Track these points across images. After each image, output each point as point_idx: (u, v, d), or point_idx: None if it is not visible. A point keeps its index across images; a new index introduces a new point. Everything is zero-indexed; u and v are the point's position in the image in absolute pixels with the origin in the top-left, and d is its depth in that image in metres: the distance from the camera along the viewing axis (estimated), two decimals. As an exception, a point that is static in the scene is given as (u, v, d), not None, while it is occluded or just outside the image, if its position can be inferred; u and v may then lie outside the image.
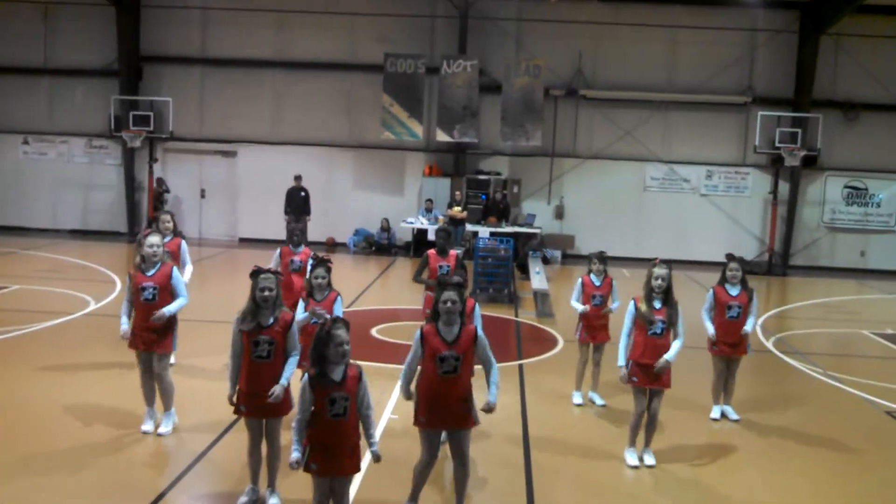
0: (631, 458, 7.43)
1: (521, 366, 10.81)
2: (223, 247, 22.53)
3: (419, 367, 5.93)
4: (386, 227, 22.85)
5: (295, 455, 5.16)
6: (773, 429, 8.70)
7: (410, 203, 23.37)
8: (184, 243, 9.31)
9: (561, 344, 12.08)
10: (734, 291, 8.63)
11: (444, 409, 5.85)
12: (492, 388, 5.96)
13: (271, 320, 6.10)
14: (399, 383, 6.02)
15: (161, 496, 6.43)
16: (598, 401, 9.29)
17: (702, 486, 7.15)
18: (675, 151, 23.17)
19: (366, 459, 5.58)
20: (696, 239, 23.01)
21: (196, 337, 10.98)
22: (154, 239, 7.56)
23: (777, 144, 21.42)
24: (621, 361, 7.35)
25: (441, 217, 21.44)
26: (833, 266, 22.88)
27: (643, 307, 7.29)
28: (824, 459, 7.95)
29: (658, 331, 7.25)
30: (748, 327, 8.60)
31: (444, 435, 6.16)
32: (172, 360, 9.62)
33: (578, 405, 9.07)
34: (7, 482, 6.59)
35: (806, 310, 16.63)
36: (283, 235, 20.29)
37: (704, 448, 8.03)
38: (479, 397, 5.93)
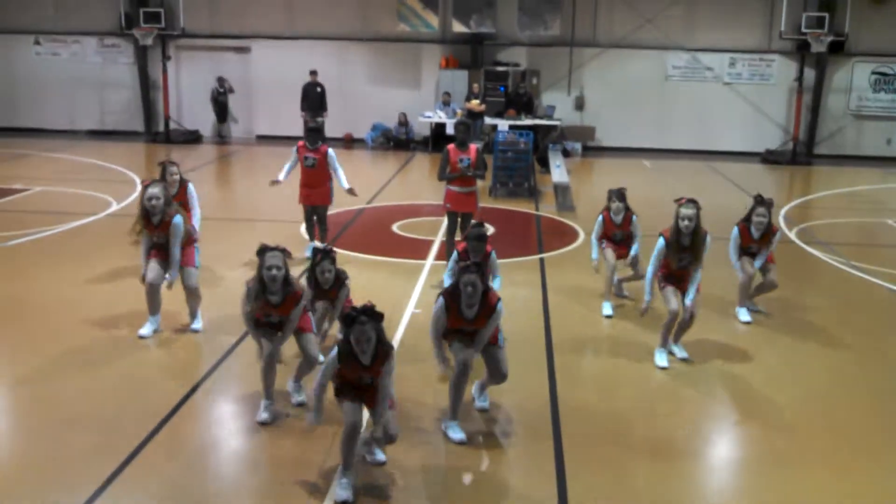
0: (661, 360, 7.38)
1: (541, 260, 10.82)
2: (240, 144, 22.43)
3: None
4: (403, 122, 22.60)
5: (309, 417, 5.23)
6: (797, 320, 8.71)
7: (428, 97, 23.03)
8: (191, 186, 9.09)
9: (582, 237, 12.04)
10: (757, 235, 8.52)
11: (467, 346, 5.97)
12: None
13: (280, 298, 5.98)
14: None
15: (189, 394, 6.57)
16: (623, 291, 9.29)
17: (727, 381, 7.20)
18: (697, 39, 22.52)
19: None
20: (719, 129, 22.61)
21: (219, 237, 11.04)
22: (153, 190, 7.53)
23: (803, 30, 20.74)
24: (647, 297, 7.37)
25: (459, 110, 21.14)
26: (858, 155, 22.47)
27: (671, 251, 7.23)
28: (848, 349, 7.97)
29: (686, 264, 7.29)
30: (757, 263, 8.60)
31: None
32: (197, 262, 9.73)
33: (608, 316, 8.67)
34: (34, 382, 6.75)
35: (830, 199, 16.44)
36: (300, 132, 20.19)
37: (729, 343, 8.03)
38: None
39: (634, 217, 8.82)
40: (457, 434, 5.85)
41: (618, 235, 8.85)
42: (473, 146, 9.89)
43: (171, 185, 8.59)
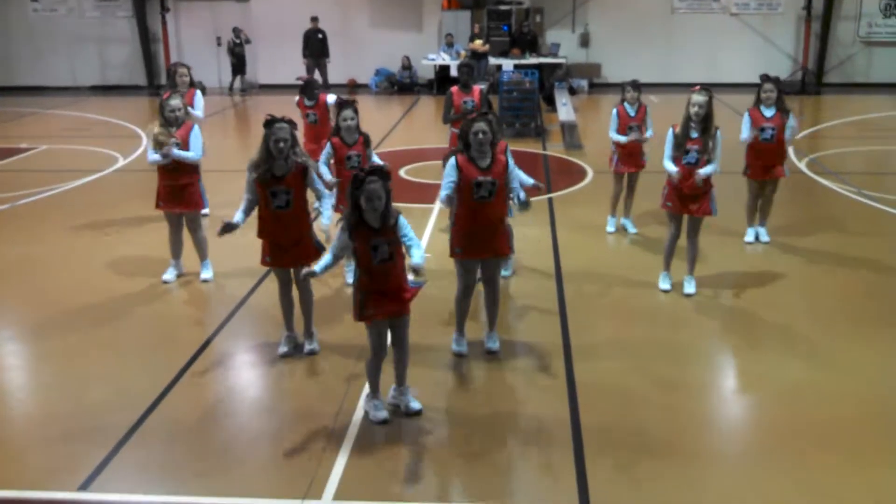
0: (664, 283, 7.51)
1: (550, 199, 10.79)
2: (244, 94, 22.26)
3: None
4: (407, 66, 22.36)
5: (308, 268, 5.26)
6: (809, 251, 8.69)
7: (430, 39, 22.75)
8: (198, 93, 9.33)
9: (590, 175, 11.99)
10: (769, 113, 8.41)
11: (479, 237, 5.96)
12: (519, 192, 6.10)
13: (286, 170, 5.97)
14: (437, 203, 6.05)
15: (207, 343, 6.64)
16: (631, 228, 9.29)
17: (739, 310, 7.24)
18: (703, -31, 22.12)
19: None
20: (727, 61, 22.29)
21: (225, 187, 11.02)
22: (175, 102, 7.61)
23: (812, -45, 20.35)
24: (673, 171, 7.14)
25: (463, 52, 20.89)
26: (868, 82, 22.16)
27: (678, 133, 7.14)
28: (860, 278, 7.96)
29: (692, 160, 7.10)
30: (790, 133, 8.50)
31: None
32: (206, 210, 9.74)
33: (611, 233, 9.10)
34: (51, 339, 6.82)
35: (840, 128, 16.27)
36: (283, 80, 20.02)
37: (741, 272, 8.06)
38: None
39: (648, 107, 8.78)
40: (459, 347, 6.28)
41: (634, 129, 8.72)
42: (477, 88, 9.79)
43: (182, 86, 8.96)
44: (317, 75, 20.07)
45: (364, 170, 5.00)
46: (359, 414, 5.44)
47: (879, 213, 10.04)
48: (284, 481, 4.77)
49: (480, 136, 5.77)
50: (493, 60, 20.72)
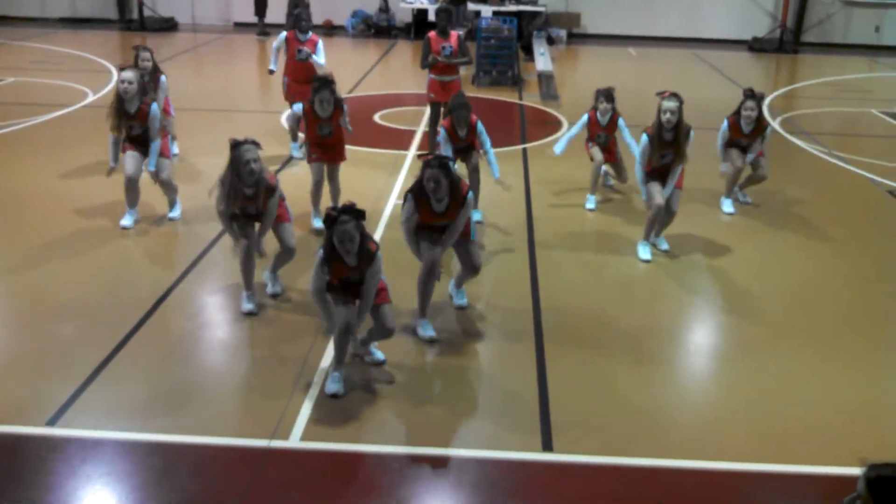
0: (644, 253, 7.42)
1: (524, 150, 10.78)
2: (217, 32, 21.82)
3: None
4: (384, 8, 22.03)
5: (324, 327, 5.41)
6: (776, 210, 8.79)
7: (410, -18, 22.38)
8: (163, 78, 9.01)
9: (566, 126, 11.97)
10: (747, 129, 8.45)
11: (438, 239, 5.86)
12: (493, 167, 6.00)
13: (254, 191, 5.91)
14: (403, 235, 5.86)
15: (176, 283, 6.63)
16: (609, 181, 9.29)
17: (708, 272, 7.34)
18: (687, -80, 21.88)
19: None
20: (707, 15, 22.17)
21: (197, 129, 10.90)
22: (127, 74, 7.39)
23: (796, -89, 20.18)
24: (645, 196, 7.34)
25: (442, -3, 20.60)
26: (846, 43, 22.18)
27: (653, 148, 7.14)
28: (825, 238, 8.09)
29: (668, 161, 7.21)
30: (749, 157, 8.56)
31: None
32: (175, 150, 9.64)
33: (591, 210, 8.63)
34: (18, 272, 6.79)
35: (815, 88, 16.33)
36: (279, 19, 19.67)
37: (711, 235, 8.08)
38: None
39: (621, 119, 8.54)
40: (427, 332, 5.84)
41: (602, 138, 8.62)
42: (455, 33, 9.71)
43: (144, 71, 8.45)
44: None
45: (337, 209, 4.90)
46: (326, 359, 5.48)
47: (846, 174, 10.14)
48: (252, 422, 4.82)
49: (432, 184, 5.53)
50: (471, 6, 20.46)
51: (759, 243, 7.92)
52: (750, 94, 8.41)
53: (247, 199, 5.97)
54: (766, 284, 6.99)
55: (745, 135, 8.50)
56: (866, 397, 5.31)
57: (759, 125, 8.48)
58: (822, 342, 6.01)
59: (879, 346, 6.03)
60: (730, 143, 8.62)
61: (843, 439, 4.80)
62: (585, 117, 8.63)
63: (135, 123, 7.51)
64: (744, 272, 7.23)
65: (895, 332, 6.28)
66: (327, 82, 7.24)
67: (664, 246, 7.56)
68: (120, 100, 7.41)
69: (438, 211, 5.72)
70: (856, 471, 2.85)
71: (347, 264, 5.02)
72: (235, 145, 5.83)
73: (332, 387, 5.12)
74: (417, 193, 5.69)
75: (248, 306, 6.17)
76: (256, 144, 5.91)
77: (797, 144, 11.48)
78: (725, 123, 8.55)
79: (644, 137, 7.21)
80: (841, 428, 4.94)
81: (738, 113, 8.48)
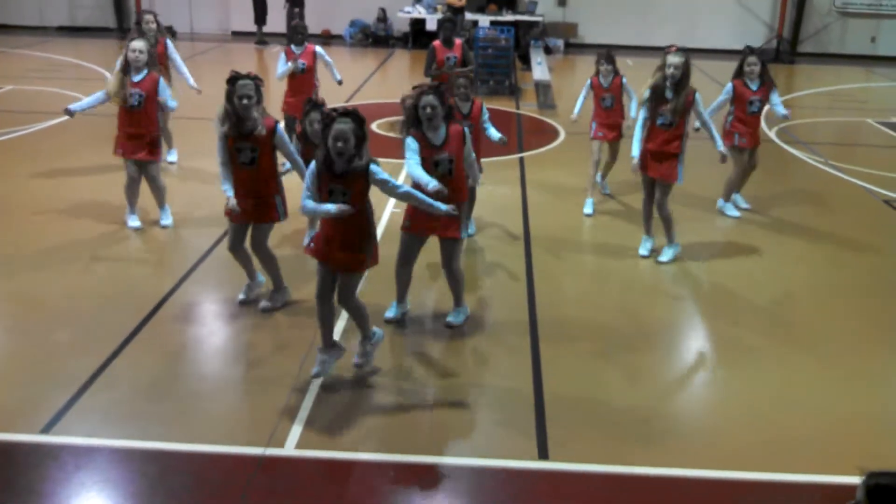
0: (643, 249, 7.48)
1: (521, 159, 10.79)
2: (216, 41, 21.85)
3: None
4: (382, 18, 22.08)
5: (307, 237, 5.24)
6: (774, 220, 8.79)
7: (407, -8, 22.44)
8: (169, 42, 9.08)
9: (563, 136, 11.99)
10: (754, 86, 8.36)
11: (429, 214, 5.48)
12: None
13: (253, 127, 5.82)
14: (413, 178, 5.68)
15: (172, 291, 6.61)
16: (606, 189, 9.28)
17: (705, 277, 7.35)
18: (683, -69, 21.98)
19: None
20: (704, 26, 22.26)
21: (195, 136, 10.88)
22: (138, 44, 7.35)
23: (792, -78, 20.28)
24: (635, 152, 7.10)
25: (439, 6, 20.66)
26: (843, 53, 22.26)
27: (652, 102, 7.03)
28: (822, 247, 8.09)
29: (665, 122, 7.01)
30: (782, 110, 8.38)
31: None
32: (173, 158, 9.65)
33: (588, 215, 8.62)
34: (14, 279, 6.78)
35: (812, 98, 16.38)
36: (278, 27, 19.70)
37: (708, 241, 8.10)
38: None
39: (624, 79, 8.55)
40: (389, 312, 6.06)
41: (607, 100, 8.52)
42: (459, 42, 9.77)
43: (148, 32, 8.57)
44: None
45: (338, 110, 4.82)
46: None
47: (843, 184, 10.15)
48: (247, 430, 4.80)
49: (428, 110, 5.53)
50: (468, 16, 20.52)
51: (756, 252, 7.91)
52: (750, 51, 8.36)
53: (243, 135, 5.81)
54: (764, 292, 7.00)
55: (754, 91, 8.32)
56: (865, 406, 5.29)
57: (765, 80, 8.35)
58: (822, 350, 6.00)
59: (879, 355, 6.02)
60: (739, 106, 8.36)
61: (843, 448, 4.78)
62: (588, 82, 8.61)
63: (136, 90, 7.39)
64: (741, 280, 7.23)
65: (894, 341, 6.27)
66: (317, 105, 6.99)
67: (664, 258, 7.43)
68: (127, 65, 7.38)
69: (436, 143, 5.67)
70: (855, 479, 2.84)
71: (334, 171, 4.87)
72: (233, 79, 5.76)
73: (314, 369, 5.24)
74: (414, 129, 5.66)
75: (240, 297, 6.37)
76: (257, 80, 5.81)
77: (794, 154, 11.50)
78: (730, 86, 8.39)
79: (646, 93, 7.11)
80: (840, 436, 4.93)
81: (740, 74, 8.38)
